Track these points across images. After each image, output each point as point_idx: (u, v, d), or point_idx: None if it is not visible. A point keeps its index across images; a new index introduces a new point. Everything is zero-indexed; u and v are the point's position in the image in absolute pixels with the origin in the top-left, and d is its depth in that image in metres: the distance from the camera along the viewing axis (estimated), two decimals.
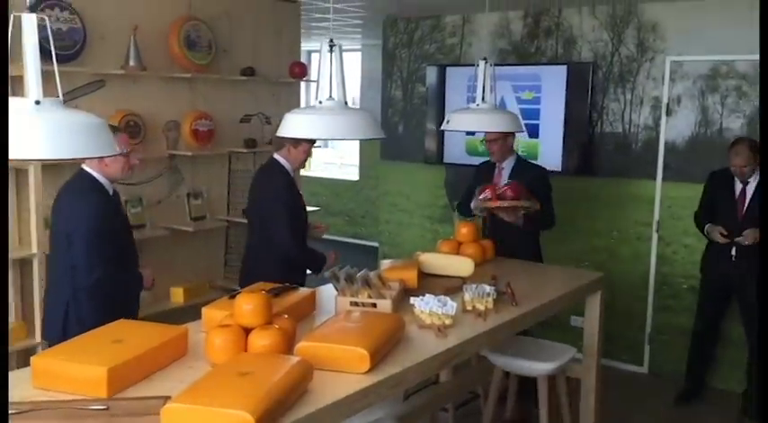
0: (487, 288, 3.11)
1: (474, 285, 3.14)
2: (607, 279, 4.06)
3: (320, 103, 2.65)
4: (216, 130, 4.59)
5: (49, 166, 3.72)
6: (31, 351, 3.71)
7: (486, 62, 3.47)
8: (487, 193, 3.92)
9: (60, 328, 2.97)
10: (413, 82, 6.14)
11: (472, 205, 4.03)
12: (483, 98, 3.47)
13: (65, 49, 3.76)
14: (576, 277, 3.88)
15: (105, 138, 1.84)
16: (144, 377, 2.24)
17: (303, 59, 6.07)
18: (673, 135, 4.91)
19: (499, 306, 3.08)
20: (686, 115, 4.85)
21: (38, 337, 3.68)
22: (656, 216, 5.02)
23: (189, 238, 4.56)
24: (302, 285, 3.29)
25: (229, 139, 4.77)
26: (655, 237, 5.04)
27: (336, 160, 10.60)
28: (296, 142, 3.70)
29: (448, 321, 2.83)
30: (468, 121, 3.49)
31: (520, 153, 4.64)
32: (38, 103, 1.75)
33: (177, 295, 4.37)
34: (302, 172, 5.80)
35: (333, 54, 2.63)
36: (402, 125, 6.25)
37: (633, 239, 5.14)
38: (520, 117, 4.06)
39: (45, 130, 1.72)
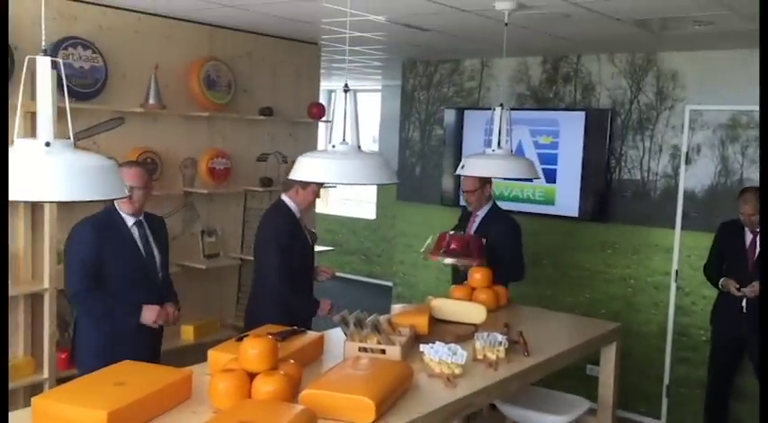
0: (499, 337, 3.06)
1: (485, 334, 3.09)
2: (624, 328, 3.98)
3: (333, 146, 2.65)
4: (232, 168, 4.61)
5: (64, 202, 3.74)
6: (38, 387, 3.69)
7: (502, 108, 3.47)
8: (439, 240, 4.01)
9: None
10: (431, 124, 6.16)
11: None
12: (499, 144, 3.45)
13: (86, 87, 3.82)
14: (592, 327, 3.81)
15: (114, 180, 1.84)
16: (145, 421, 2.20)
17: (323, 99, 6.13)
18: (692, 184, 4.85)
19: (511, 355, 3.02)
20: (706, 164, 4.80)
21: (45, 373, 3.66)
22: (675, 265, 4.94)
23: (202, 275, 4.55)
24: (308, 328, 3.25)
25: (245, 177, 4.79)
26: (673, 286, 4.95)
27: (354, 197, 10.61)
28: (304, 183, 3.67)
29: (458, 371, 2.78)
30: (482, 167, 3.47)
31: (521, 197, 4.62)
32: (48, 144, 1.76)
33: (188, 333, 4.34)
34: (319, 209, 5.81)
35: (347, 98, 2.63)
36: (419, 166, 6.24)
37: (650, 288, 5.05)
38: (536, 163, 4.05)
39: (54, 173, 1.72)
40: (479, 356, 2.99)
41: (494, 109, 3.48)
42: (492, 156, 3.45)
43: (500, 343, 3.03)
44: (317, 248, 5.27)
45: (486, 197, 4.25)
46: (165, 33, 4.30)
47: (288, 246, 3.65)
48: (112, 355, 2.95)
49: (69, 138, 1.84)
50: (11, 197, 1.70)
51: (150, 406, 2.23)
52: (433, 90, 6.10)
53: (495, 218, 4.25)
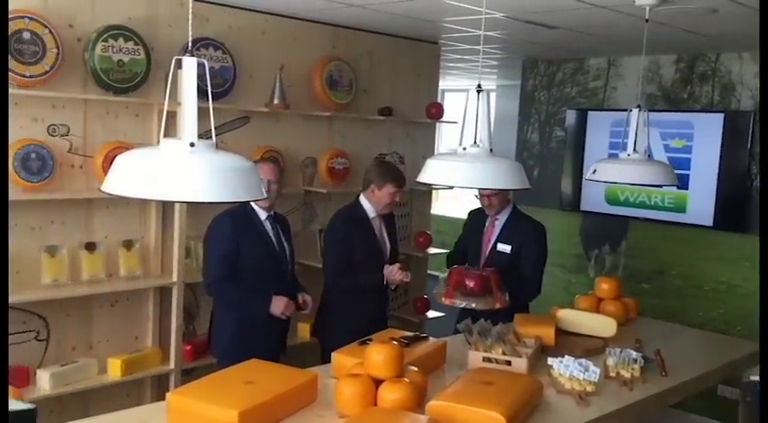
0: (633, 353, 2.88)
1: (618, 349, 2.91)
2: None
3: (464, 149, 2.55)
4: (351, 168, 4.61)
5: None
6: (164, 377, 3.82)
7: (639, 109, 3.26)
8: (451, 279, 3.42)
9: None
10: (551, 125, 5.94)
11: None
12: (635, 148, 3.25)
13: (216, 87, 3.91)
14: (730, 346, 3.53)
15: (254, 180, 1.83)
16: (273, 422, 2.20)
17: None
18: None
19: (647, 375, 2.83)
20: None
21: (172, 364, 3.78)
22: None
23: (318, 274, 4.57)
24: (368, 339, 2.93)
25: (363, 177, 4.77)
26: None
27: (462, 197, 10.42)
28: (380, 184, 3.59)
29: (590, 388, 2.62)
30: (616, 173, 3.27)
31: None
32: (192, 145, 1.76)
33: (304, 331, 4.37)
34: (434, 210, 5.71)
35: (480, 98, 2.53)
36: (537, 169, 6.04)
37: None
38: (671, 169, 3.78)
39: (199, 175, 1.72)
40: (612, 374, 2.82)
41: (630, 110, 3.28)
42: (627, 161, 3.25)
43: (635, 360, 2.84)
44: (432, 250, 5.22)
45: (507, 200, 3.84)
46: (291, 34, 4.35)
47: (345, 245, 3.56)
48: (245, 343, 3.24)
49: (212, 138, 1.84)
50: (155, 197, 1.72)
51: (278, 407, 2.23)
52: (555, 90, 5.89)
53: (521, 222, 3.83)
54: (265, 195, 1.98)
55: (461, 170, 2.47)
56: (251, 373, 2.35)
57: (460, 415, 2.20)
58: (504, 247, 3.77)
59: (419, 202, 5.29)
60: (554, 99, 5.90)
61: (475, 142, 2.56)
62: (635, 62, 5.27)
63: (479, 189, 3.69)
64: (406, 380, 2.34)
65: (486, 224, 3.88)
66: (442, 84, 8.36)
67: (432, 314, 5.13)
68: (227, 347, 3.33)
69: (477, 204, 3.97)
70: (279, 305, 3.28)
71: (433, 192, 5.58)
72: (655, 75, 5.25)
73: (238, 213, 3.34)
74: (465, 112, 2.58)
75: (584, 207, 5.66)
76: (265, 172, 3.26)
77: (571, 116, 5.70)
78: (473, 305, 3.32)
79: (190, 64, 1.81)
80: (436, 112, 5.09)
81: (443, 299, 3.38)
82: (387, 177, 3.59)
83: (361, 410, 2.20)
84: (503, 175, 2.49)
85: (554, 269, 5.89)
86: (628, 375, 2.79)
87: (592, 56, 5.57)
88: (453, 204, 10.11)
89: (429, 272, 5.52)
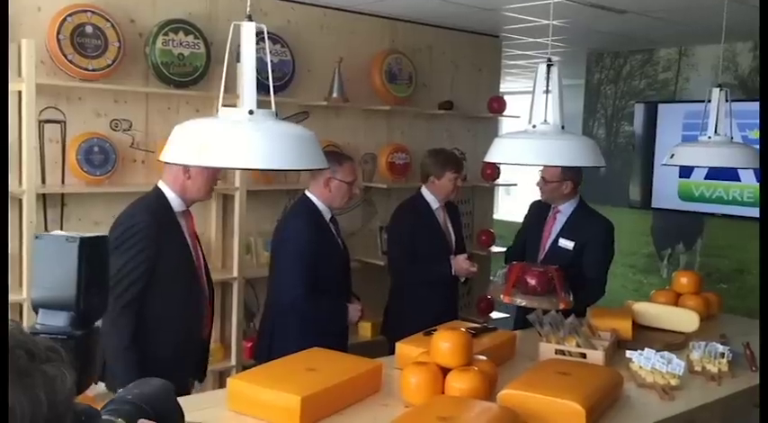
0: (720, 347, 2.66)
1: (703, 343, 2.70)
2: None
3: (534, 127, 2.42)
4: (412, 163, 4.51)
5: (253, 193, 3.81)
6: (225, 373, 3.76)
7: (720, 90, 3.06)
8: (511, 276, 3.16)
9: (266, 349, 2.94)
10: (618, 120, 5.72)
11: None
12: (716, 130, 3.04)
13: (275, 81, 3.83)
14: None
15: (315, 151, 1.75)
16: (336, 411, 2.10)
17: None
18: None
19: (735, 370, 2.61)
20: None
21: (233, 361, 3.73)
22: None
23: (379, 272, 4.47)
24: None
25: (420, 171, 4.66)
26: None
27: (523, 197, 10.17)
28: (439, 172, 3.47)
29: (674, 382, 2.43)
30: (695, 156, 3.07)
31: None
32: (251, 112, 1.69)
33: (365, 329, 4.27)
34: (496, 215, 5.55)
35: (550, 73, 2.39)
36: (605, 166, 5.81)
37: None
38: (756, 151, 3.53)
39: (258, 141, 1.65)
40: (697, 368, 2.62)
41: (710, 90, 3.08)
42: (707, 143, 3.04)
43: (722, 354, 2.63)
44: (495, 249, 5.05)
45: (566, 194, 3.49)
46: (349, 27, 4.29)
47: (409, 237, 3.41)
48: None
49: (272, 109, 1.77)
50: (213, 164, 1.66)
51: (341, 394, 2.12)
52: (622, 83, 5.67)
53: (587, 217, 3.51)
54: (326, 166, 1.89)
55: (531, 147, 2.33)
56: (313, 361, 2.26)
57: (535, 405, 2.05)
58: (567, 243, 3.45)
59: (481, 199, 5.14)
60: (621, 93, 5.68)
61: (545, 120, 2.42)
62: (708, 51, 5.03)
63: (542, 173, 3.49)
64: (476, 369, 2.21)
65: (549, 215, 3.58)
66: (503, 86, 8.21)
67: (496, 315, 4.96)
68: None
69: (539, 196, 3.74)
70: (356, 313, 3.05)
71: (496, 189, 5.42)
72: (731, 63, 4.98)
73: (313, 216, 3.00)
74: (534, 88, 2.44)
75: (655, 204, 5.40)
76: (354, 172, 3.05)
77: (640, 110, 5.47)
78: (535, 305, 3.02)
79: (249, 29, 1.74)
80: (498, 106, 4.95)
81: (502, 296, 3.14)
82: (444, 165, 3.48)
83: (428, 399, 2.08)
84: (576, 153, 2.34)
85: (624, 270, 5.64)
86: (715, 370, 2.58)
87: (661, 46, 5.34)
88: (513, 205, 9.88)
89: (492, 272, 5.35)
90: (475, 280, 4.58)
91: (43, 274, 0.76)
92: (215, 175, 2.69)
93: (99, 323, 0.79)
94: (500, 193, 9.07)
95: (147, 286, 2.45)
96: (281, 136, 1.68)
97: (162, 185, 2.63)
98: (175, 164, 2.18)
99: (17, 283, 3.16)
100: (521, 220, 3.89)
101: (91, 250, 0.76)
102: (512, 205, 9.83)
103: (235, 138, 1.63)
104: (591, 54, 5.82)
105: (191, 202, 2.69)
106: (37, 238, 0.77)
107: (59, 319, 0.75)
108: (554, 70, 2.41)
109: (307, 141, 1.73)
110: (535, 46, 5.43)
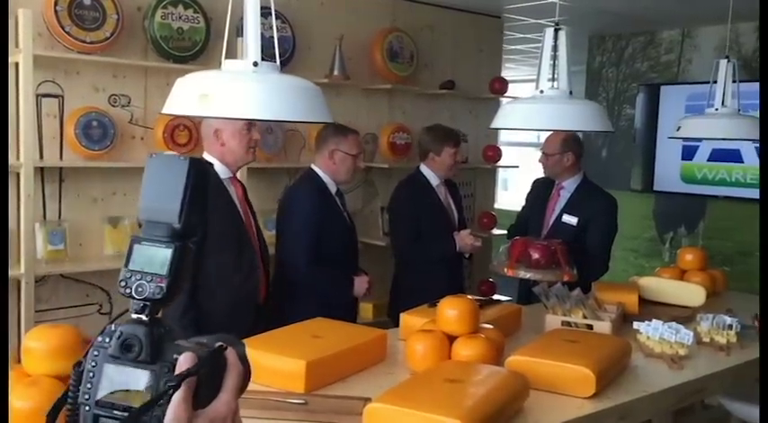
0: (728, 319, 2.63)
1: (711, 315, 2.67)
2: None
3: (541, 92, 2.38)
4: (413, 143, 4.46)
5: (254, 171, 3.76)
6: None
7: (728, 61, 3.02)
8: (514, 250, 3.13)
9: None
10: (620, 103, 5.68)
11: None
12: (723, 102, 3.01)
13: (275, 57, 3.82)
14: None
15: (320, 104, 1.71)
16: (340, 378, 2.06)
17: None
18: None
19: (744, 341, 2.58)
20: None
21: None
22: None
23: (380, 252, 4.43)
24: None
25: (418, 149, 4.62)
26: None
27: (523, 179, 10.12)
28: (437, 148, 3.44)
29: (682, 351, 2.40)
30: (702, 127, 3.04)
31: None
32: (256, 64, 1.65)
33: (366, 311, 4.22)
34: (499, 203, 5.51)
35: (558, 38, 2.35)
36: (606, 149, 5.78)
37: None
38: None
39: (262, 92, 1.61)
40: (705, 339, 2.58)
41: (717, 61, 3.05)
42: (714, 115, 3.01)
43: (730, 326, 2.60)
44: (496, 231, 5.01)
45: (568, 168, 3.48)
46: (350, 5, 4.24)
47: (412, 215, 3.39)
48: None
49: (276, 62, 1.73)
50: (216, 114, 1.61)
51: (347, 361, 2.09)
52: (624, 66, 5.63)
53: (591, 193, 3.50)
54: (331, 120, 1.86)
55: (539, 112, 2.30)
56: (318, 329, 2.22)
57: (544, 370, 2.01)
58: (570, 219, 3.44)
59: (483, 181, 5.10)
60: (623, 76, 5.64)
61: (553, 85, 2.38)
62: (711, 32, 4.99)
63: (542, 149, 3.48)
64: (482, 336, 2.17)
65: (552, 192, 3.57)
66: (502, 73, 8.16)
67: (497, 298, 4.91)
68: None
69: (542, 174, 3.72)
70: (362, 285, 3.03)
71: (498, 170, 5.38)
72: (734, 43, 4.94)
73: (318, 187, 3.02)
74: (541, 53, 2.40)
75: (657, 187, 5.37)
76: (359, 145, 3.05)
77: (642, 93, 5.43)
78: (539, 277, 3.02)
79: None
80: (500, 86, 4.90)
81: (505, 269, 3.09)
82: (442, 140, 3.45)
83: (435, 364, 2.04)
84: (584, 117, 2.31)
85: (626, 253, 5.61)
86: (723, 341, 2.55)
87: (664, 28, 5.30)
88: (515, 196, 9.84)
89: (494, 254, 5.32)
90: (476, 263, 4.55)
91: (152, 189, 0.79)
92: (249, 135, 2.64)
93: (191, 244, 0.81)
94: (497, 187, 9.03)
95: (199, 251, 2.42)
96: (286, 88, 1.64)
97: (206, 155, 2.64)
98: (205, 119, 2.14)
99: (15, 259, 3.12)
100: (518, 209, 3.88)
101: (197, 171, 0.79)
102: (509, 197, 9.81)
103: (239, 88, 1.59)
104: (593, 37, 5.78)
105: (236, 167, 2.70)
106: (151, 156, 0.80)
107: (160, 230, 0.78)
108: (561, 35, 2.37)
109: (312, 94, 1.69)
110: (537, 28, 5.39)
